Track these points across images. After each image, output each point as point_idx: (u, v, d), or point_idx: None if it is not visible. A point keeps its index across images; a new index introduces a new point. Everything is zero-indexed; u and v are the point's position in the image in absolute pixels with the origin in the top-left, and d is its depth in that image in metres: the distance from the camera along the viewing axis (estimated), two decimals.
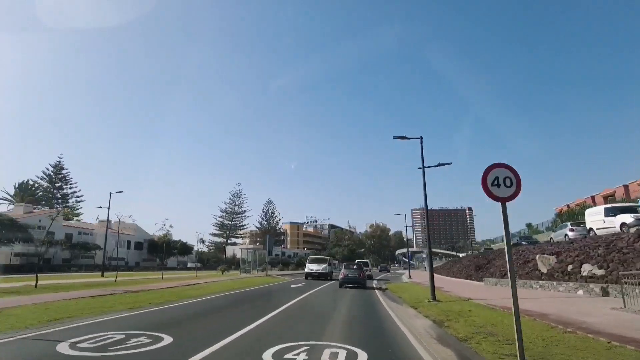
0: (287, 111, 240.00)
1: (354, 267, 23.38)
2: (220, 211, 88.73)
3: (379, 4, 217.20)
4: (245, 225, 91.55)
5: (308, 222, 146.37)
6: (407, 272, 48.74)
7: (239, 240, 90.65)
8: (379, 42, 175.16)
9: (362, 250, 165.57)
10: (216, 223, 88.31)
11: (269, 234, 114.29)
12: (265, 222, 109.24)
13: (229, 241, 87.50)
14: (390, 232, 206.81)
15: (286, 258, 73.70)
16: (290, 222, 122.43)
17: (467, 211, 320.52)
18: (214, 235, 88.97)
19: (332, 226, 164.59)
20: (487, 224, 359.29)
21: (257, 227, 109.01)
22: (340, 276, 22.27)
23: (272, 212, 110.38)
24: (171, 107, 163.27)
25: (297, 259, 79.57)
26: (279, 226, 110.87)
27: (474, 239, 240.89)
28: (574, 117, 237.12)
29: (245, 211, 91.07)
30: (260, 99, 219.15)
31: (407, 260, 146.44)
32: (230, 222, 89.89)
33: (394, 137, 15.74)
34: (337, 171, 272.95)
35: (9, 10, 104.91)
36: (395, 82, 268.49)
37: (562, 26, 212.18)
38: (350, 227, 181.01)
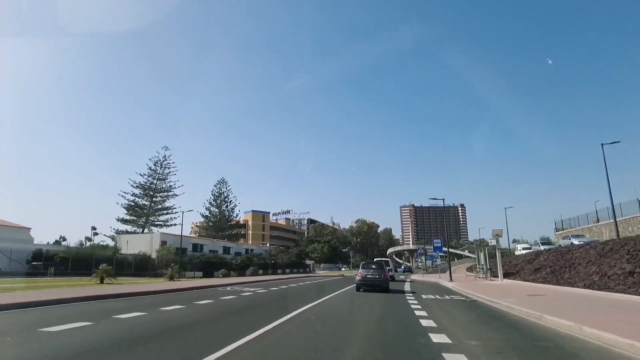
0: (297, 111, 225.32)
1: (374, 266, 18.66)
2: (133, 186, 59.01)
3: (394, 4, 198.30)
4: (172, 207, 61.95)
5: (279, 213, 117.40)
6: (422, 277, 23.25)
7: (167, 230, 60.61)
8: (394, 42, 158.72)
9: (347, 248, 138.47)
10: (127, 204, 58.40)
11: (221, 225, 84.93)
12: (216, 209, 79.85)
13: (147, 230, 57.57)
14: (379, 230, 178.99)
15: (221, 257, 44.31)
16: (253, 211, 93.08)
17: (459, 208, 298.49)
18: (124, 221, 58.97)
19: (311, 221, 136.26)
20: (481, 223, 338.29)
21: (203, 216, 79.50)
22: (357, 277, 17.85)
23: (225, 196, 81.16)
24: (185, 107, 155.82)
25: (245, 257, 50.53)
26: (235, 215, 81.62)
27: (467, 237, 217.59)
28: (597, 114, 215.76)
29: (172, 187, 61.56)
30: (270, 100, 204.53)
31: (402, 262, 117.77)
32: (148, 203, 60.01)
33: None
34: (324, 167, 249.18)
35: (31, 15, 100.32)
36: (411, 82, 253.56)
37: (584, 22, 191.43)
38: (334, 224, 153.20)
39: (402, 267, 68.85)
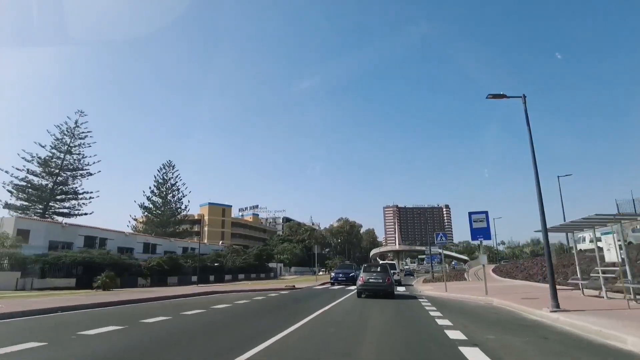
0: (292, 113, 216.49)
1: (377, 269, 16.79)
2: (28, 160, 43.00)
3: (401, 5, 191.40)
4: (83, 191, 46.09)
5: (246, 209, 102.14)
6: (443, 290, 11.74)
7: (81, 222, 44.23)
8: (401, 42, 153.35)
9: (327, 250, 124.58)
10: (16, 184, 42.38)
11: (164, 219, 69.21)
12: (159, 199, 64.24)
13: (50, 219, 41.50)
14: (361, 230, 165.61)
15: (113, 257, 28.80)
16: (210, 204, 77.70)
17: (444, 209, 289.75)
18: (13, 208, 42.69)
19: (287, 220, 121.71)
20: (466, 224, 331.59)
21: (143, 207, 63.68)
22: (359, 282, 15.94)
23: (172, 184, 65.63)
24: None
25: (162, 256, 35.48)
26: (185, 207, 66.15)
27: (452, 239, 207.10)
28: (609, 114, 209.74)
29: (85, 163, 45.74)
30: (266, 101, 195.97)
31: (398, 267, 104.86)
32: (51, 182, 44.11)
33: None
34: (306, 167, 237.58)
35: (40, 26, 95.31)
36: (414, 83, 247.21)
37: (591, 22, 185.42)
38: (313, 224, 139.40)
39: (404, 271, 56.47)
